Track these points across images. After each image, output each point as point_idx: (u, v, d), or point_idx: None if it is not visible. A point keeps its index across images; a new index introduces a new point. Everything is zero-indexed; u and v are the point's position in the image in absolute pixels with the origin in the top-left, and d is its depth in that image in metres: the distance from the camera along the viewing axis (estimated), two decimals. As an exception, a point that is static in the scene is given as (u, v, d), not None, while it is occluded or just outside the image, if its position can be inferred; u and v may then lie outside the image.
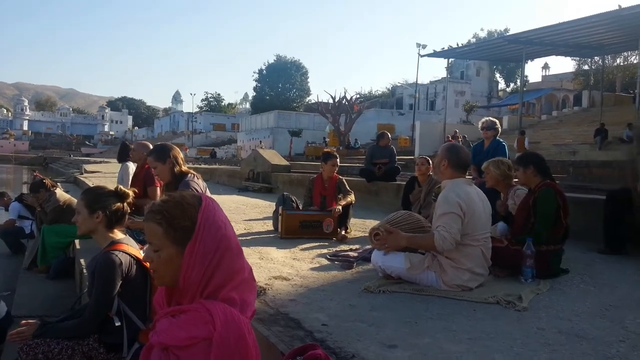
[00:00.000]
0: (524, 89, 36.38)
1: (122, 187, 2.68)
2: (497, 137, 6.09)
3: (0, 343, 3.97)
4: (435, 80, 61.74)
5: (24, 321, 2.51)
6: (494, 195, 4.39)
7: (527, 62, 30.47)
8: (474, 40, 60.15)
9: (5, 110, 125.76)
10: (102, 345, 2.37)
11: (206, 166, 24.30)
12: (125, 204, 2.62)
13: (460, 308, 2.87)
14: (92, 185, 2.78)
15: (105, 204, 2.53)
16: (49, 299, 4.72)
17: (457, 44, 29.51)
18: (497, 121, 6.30)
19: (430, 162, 5.46)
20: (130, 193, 2.67)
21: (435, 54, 31.31)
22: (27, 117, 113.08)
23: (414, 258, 3.25)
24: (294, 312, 2.71)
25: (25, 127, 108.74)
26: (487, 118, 6.42)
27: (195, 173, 3.86)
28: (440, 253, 3.15)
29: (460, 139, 24.05)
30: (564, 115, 38.92)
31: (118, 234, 2.57)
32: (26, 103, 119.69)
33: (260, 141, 42.30)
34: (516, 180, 4.24)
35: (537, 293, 3.17)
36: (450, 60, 38.44)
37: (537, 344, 2.32)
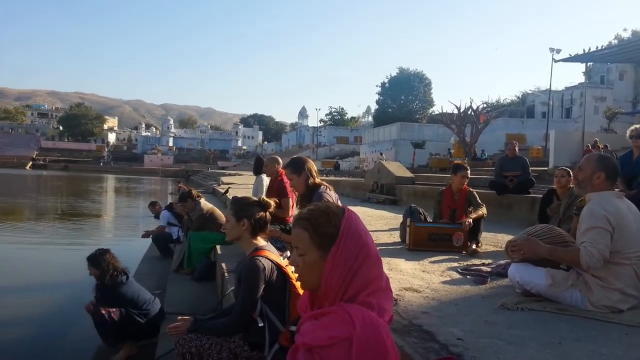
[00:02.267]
0: (680, 92, 32.26)
1: (264, 197, 2.89)
2: (649, 146, 5.51)
3: (154, 336, 4.43)
4: (572, 86, 57.30)
5: (180, 317, 2.80)
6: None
7: (683, 62, 26.98)
8: (615, 41, 54.80)
9: (154, 128, 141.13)
10: (247, 344, 2.56)
11: (331, 178, 24.87)
12: (267, 213, 2.81)
13: (610, 331, 2.63)
14: (238, 196, 3.02)
15: (250, 212, 2.74)
16: (194, 298, 5.15)
17: (596, 47, 26.90)
18: (648, 129, 5.69)
19: (571, 173, 5.07)
20: (272, 203, 2.86)
21: (571, 59, 28.90)
22: (172, 135, 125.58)
23: (556, 274, 3.03)
24: (427, 324, 2.69)
25: (170, 143, 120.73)
26: (637, 125, 5.82)
27: (327, 185, 3.99)
28: (586, 270, 2.92)
29: (601, 149, 21.97)
30: None
31: (261, 241, 2.76)
32: (171, 122, 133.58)
33: (381, 153, 42.20)
34: None
35: None
36: (588, 64, 35.40)
37: None
